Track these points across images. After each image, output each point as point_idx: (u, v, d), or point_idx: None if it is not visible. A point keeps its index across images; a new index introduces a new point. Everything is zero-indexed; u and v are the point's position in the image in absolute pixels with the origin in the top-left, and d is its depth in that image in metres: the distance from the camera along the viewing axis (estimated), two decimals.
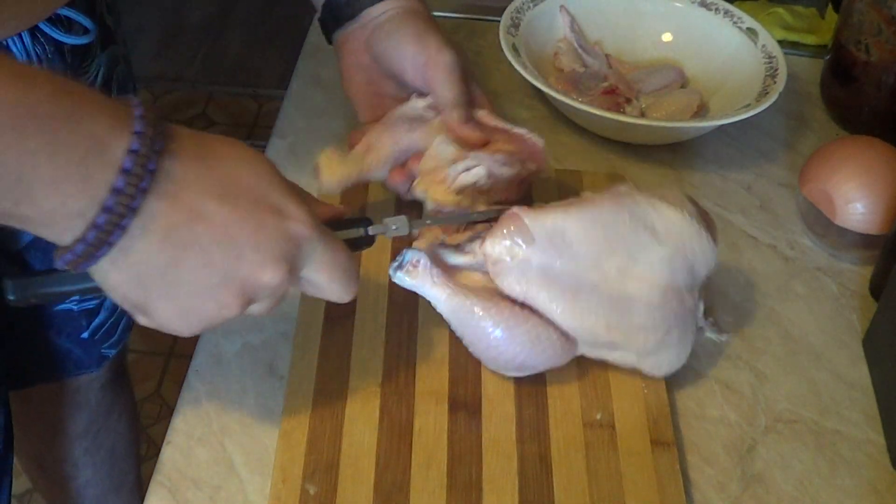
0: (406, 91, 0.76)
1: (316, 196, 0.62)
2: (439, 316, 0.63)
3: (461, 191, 0.69)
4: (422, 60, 0.72)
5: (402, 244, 0.66)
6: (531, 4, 0.94)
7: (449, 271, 0.64)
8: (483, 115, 0.74)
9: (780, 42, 0.93)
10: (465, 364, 0.66)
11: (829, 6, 1.05)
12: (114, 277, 0.48)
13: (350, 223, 0.60)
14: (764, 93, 0.86)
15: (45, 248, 0.58)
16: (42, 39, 0.72)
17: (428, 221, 0.67)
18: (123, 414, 1.13)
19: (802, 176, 0.81)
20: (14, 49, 0.70)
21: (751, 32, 0.93)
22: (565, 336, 0.63)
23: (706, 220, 0.65)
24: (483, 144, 0.72)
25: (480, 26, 1.02)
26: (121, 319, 0.97)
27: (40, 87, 0.43)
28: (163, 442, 0.64)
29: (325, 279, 0.53)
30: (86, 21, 0.75)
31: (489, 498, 0.59)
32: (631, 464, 0.61)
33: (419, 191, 0.70)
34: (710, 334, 0.69)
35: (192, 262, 0.47)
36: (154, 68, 2.56)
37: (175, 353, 1.87)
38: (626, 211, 0.63)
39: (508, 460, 0.61)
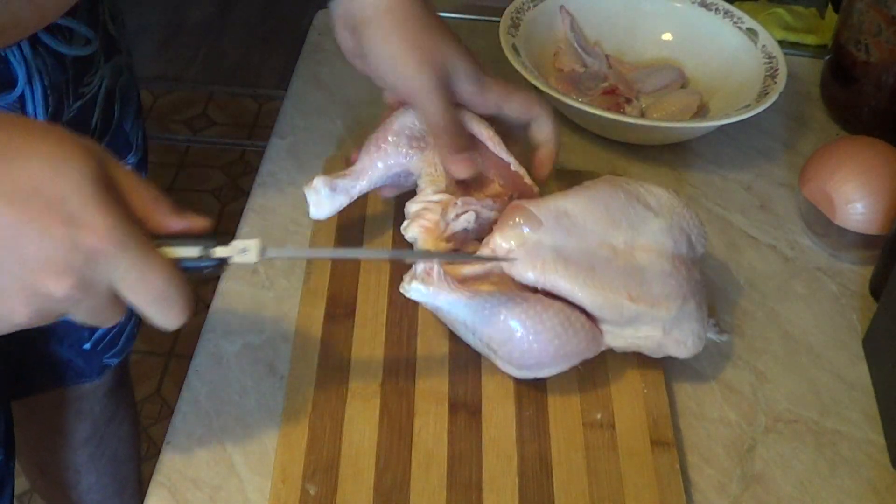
0: None
1: (314, 217, 0.60)
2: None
3: (451, 238, 0.67)
4: (402, 79, 0.67)
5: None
6: (531, 4, 0.94)
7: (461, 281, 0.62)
8: (484, 133, 0.70)
9: (780, 42, 0.93)
10: (465, 364, 0.66)
11: (829, 6, 1.05)
12: None
13: (192, 240, 0.51)
14: (764, 93, 0.86)
15: None
16: (42, 51, 0.70)
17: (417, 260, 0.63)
18: (126, 419, 1.12)
19: (802, 176, 0.81)
20: (13, 60, 0.68)
21: (751, 33, 0.93)
22: (591, 320, 0.63)
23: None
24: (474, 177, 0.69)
25: (480, 26, 1.02)
26: (124, 330, 0.96)
27: None
28: (163, 442, 0.64)
29: (136, 301, 0.48)
30: (88, 32, 0.74)
31: (489, 498, 0.59)
32: (631, 464, 0.61)
33: (409, 234, 0.67)
34: (710, 334, 0.69)
35: None
36: (154, 68, 2.56)
37: (175, 353, 1.87)
38: (619, 190, 0.66)
39: (508, 460, 0.61)
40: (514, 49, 0.88)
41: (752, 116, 0.84)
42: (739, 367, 0.71)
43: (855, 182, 0.76)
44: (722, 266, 0.78)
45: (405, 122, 0.71)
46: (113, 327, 0.93)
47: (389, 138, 0.70)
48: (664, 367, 0.67)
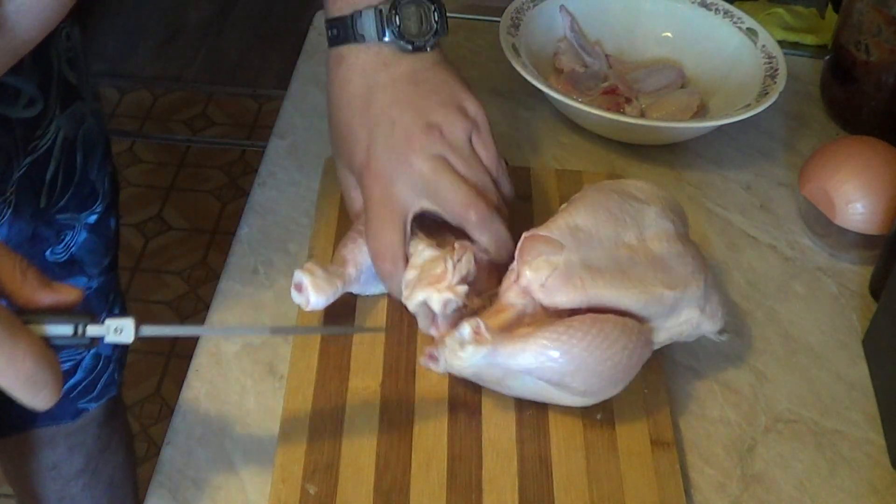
0: None
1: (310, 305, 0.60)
2: None
3: (462, 280, 0.64)
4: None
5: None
6: (531, 4, 0.94)
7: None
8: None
9: (780, 42, 0.93)
10: None
11: (829, 6, 1.05)
12: None
13: (64, 317, 0.47)
14: (764, 93, 0.86)
15: None
16: None
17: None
18: (120, 447, 1.09)
19: (802, 176, 0.81)
20: None
21: (751, 32, 0.93)
22: (639, 321, 0.62)
23: None
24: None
25: (480, 26, 1.02)
26: (101, 377, 0.93)
27: None
28: (163, 442, 0.64)
29: (3, 384, 0.44)
30: (33, 91, 0.68)
31: (489, 498, 0.59)
32: (631, 464, 0.61)
33: (417, 301, 0.63)
34: (710, 334, 0.69)
35: None
36: (154, 68, 2.56)
37: (175, 353, 1.86)
38: (610, 191, 0.67)
39: (508, 460, 0.61)
40: (514, 49, 0.88)
41: (751, 116, 0.84)
42: (739, 367, 0.71)
43: (855, 182, 0.76)
44: (722, 266, 0.78)
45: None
46: (87, 376, 0.89)
47: (360, 227, 0.69)
48: (664, 368, 0.67)
